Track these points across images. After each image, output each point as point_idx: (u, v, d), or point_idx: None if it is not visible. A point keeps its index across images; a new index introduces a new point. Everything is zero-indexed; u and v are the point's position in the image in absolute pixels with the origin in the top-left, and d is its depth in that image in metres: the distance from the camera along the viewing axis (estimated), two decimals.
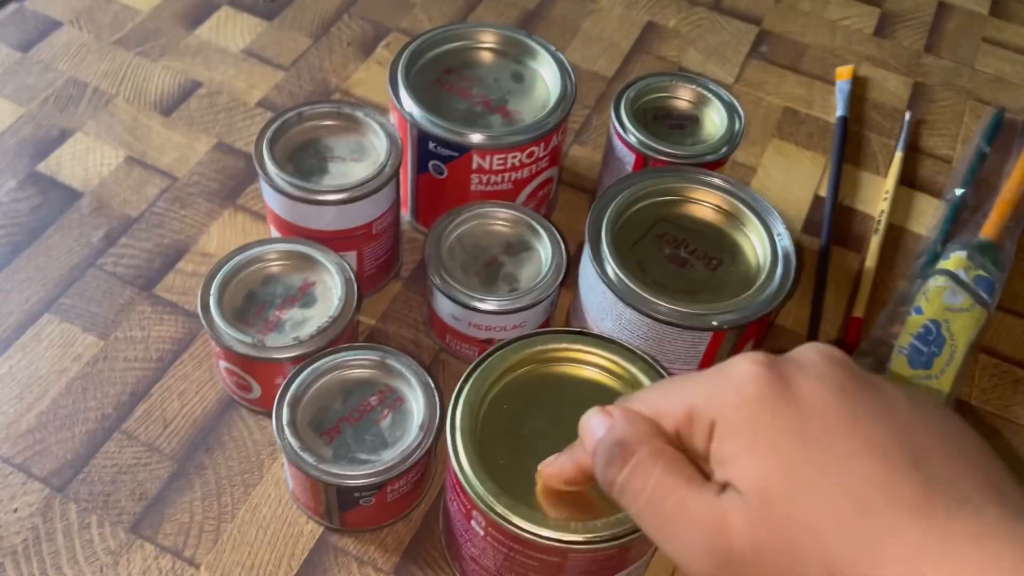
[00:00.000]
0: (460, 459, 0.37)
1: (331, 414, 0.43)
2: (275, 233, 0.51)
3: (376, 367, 0.44)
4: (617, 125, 0.53)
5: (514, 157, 0.51)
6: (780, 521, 0.26)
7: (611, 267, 0.45)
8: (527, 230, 0.51)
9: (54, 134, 0.60)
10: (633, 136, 0.52)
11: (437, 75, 0.54)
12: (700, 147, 0.52)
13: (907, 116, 0.68)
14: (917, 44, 0.75)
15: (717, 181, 0.49)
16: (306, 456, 0.41)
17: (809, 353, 0.29)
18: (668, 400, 0.30)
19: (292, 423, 0.42)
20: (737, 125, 0.53)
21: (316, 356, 0.44)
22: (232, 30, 0.68)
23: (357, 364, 0.44)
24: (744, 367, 0.28)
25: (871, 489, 0.25)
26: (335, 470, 0.41)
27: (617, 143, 0.54)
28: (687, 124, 0.55)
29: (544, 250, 0.50)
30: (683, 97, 0.56)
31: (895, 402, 0.27)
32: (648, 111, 0.55)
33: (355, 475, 0.41)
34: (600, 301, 0.46)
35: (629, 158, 0.53)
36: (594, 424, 0.31)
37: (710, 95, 0.55)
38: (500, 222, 0.51)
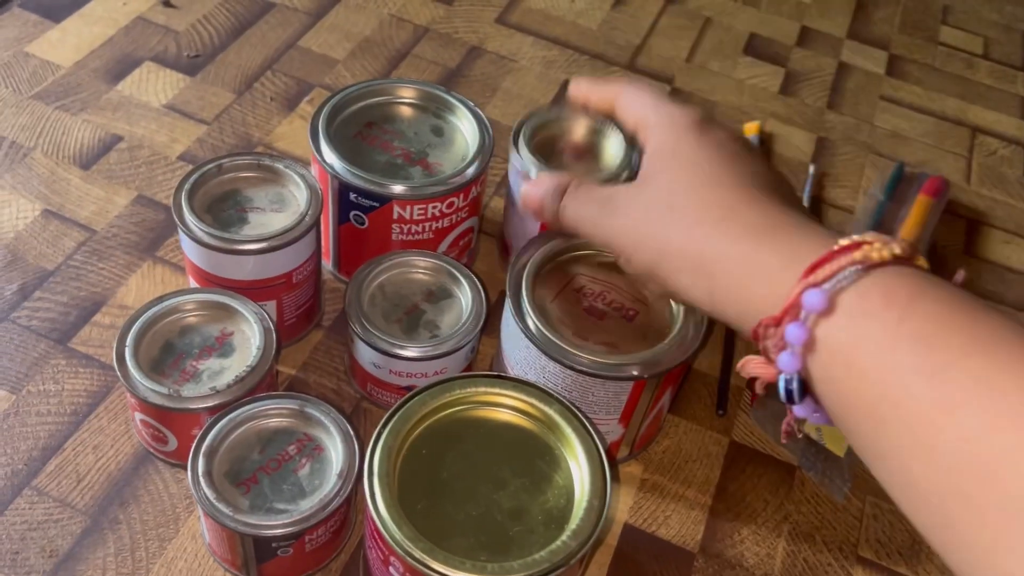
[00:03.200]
0: (377, 504, 0.38)
1: (248, 464, 0.43)
2: (194, 284, 0.51)
3: (295, 416, 0.45)
4: (516, 158, 0.52)
5: (434, 207, 0.52)
6: (656, 184, 0.39)
7: (532, 321, 0.46)
8: (448, 278, 0.52)
9: None
10: (533, 169, 0.51)
11: (358, 128, 0.55)
12: (599, 176, 0.51)
13: (811, 169, 0.71)
14: (820, 102, 0.79)
15: None
16: (222, 507, 0.41)
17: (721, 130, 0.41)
18: (634, 95, 0.43)
19: (208, 474, 0.42)
20: (635, 156, 0.53)
21: (233, 406, 0.44)
22: (154, 85, 0.68)
23: (275, 413, 0.44)
24: (686, 112, 0.40)
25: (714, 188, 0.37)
26: (251, 520, 0.41)
27: (516, 175, 0.53)
28: (585, 155, 0.55)
29: (464, 297, 0.51)
30: (580, 130, 0.54)
31: (750, 159, 0.39)
32: (546, 144, 0.54)
33: (272, 525, 0.41)
34: (524, 354, 0.47)
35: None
36: (532, 188, 0.43)
37: (607, 128, 0.53)
38: (421, 270, 0.52)
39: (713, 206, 0.36)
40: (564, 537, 0.38)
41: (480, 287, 0.51)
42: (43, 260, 0.56)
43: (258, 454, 0.43)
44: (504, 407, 0.43)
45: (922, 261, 0.32)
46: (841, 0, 0.91)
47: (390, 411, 0.41)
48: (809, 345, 0.31)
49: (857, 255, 0.31)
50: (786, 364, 0.32)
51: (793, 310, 0.31)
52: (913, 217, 0.66)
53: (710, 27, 0.84)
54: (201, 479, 0.41)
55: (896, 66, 0.84)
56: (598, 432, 0.41)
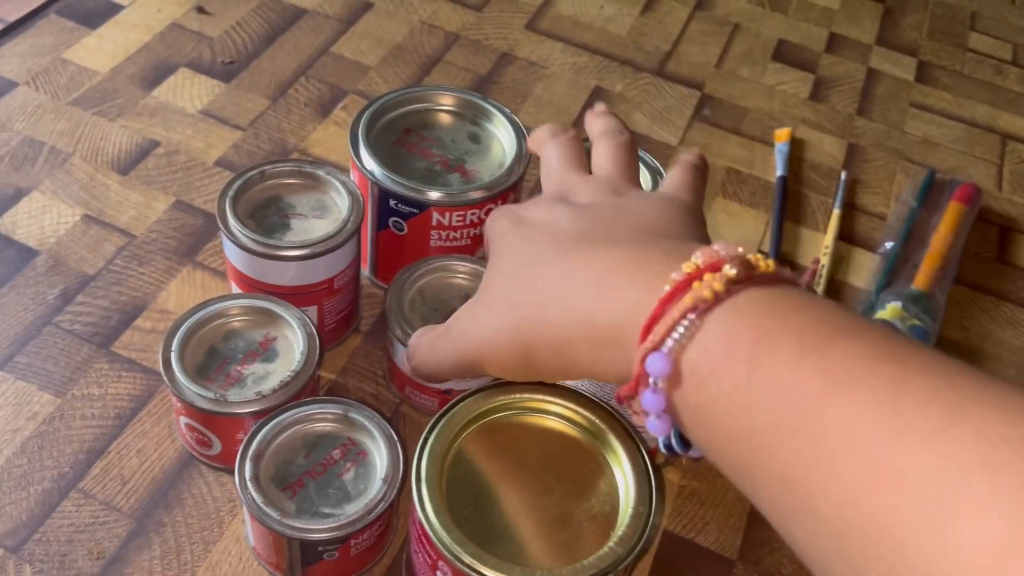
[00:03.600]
0: (426, 509, 0.38)
1: (294, 468, 0.44)
2: (236, 289, 0.52)
3: (339, 420, 0.45)
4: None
5: (472, 214, 0.52)
6: (485, 288, 0.38)
7: None
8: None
9: (9, 193, 0.60)
10: None
11: (397, 135, 0.55)
12: None
13: (843, 176, 0.71)
14: (850, 108, 0.79)
15: None
16: (269, 511, 0.41)
17: (538, 201, 0.40)
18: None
19: (255, 478, 0.42)
20: (661, 187, 0.55)
21: (278, 410, 0.45)
22: (190, 91, 0.69)
23: (320, 418, 0.45)
24: (499, 222, 0.40)
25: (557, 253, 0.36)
26: (298, 524, 0.41)
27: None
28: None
29: None
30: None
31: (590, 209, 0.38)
32: None
33: (319, 529, 0.41)
34: None
35: None
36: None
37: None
38: (460, 275, 0.52)
39: (540, 282, 0.35)
40: (611, 543, 0.38)
41: None
42: (84, 265, 0.57)
43: (303, 458, 0.44)
44: (549, 413, 0.43)
45: (764, 264, 0.30)
46: (869, 6, 0.91)
47: (436, 416, 0.41)
48: (669, 408, 0.29)
49: (688, 300, 0.28)
50: (656, 429, 0.30)
51: (643, 378, 0.29)
52: (945, 224, 0.66)
53: (739, 33, 0.84)
54: (248, 483, 0.42)
55: (925, 72, 0.84)
56: (642, 439, 0.42)
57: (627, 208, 0.38)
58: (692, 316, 0.28)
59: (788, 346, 0.26)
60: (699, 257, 0.30)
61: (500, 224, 0.40)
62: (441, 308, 0.51)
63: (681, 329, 0.28)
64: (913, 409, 0.23)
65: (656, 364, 0.28)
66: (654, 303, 0.29)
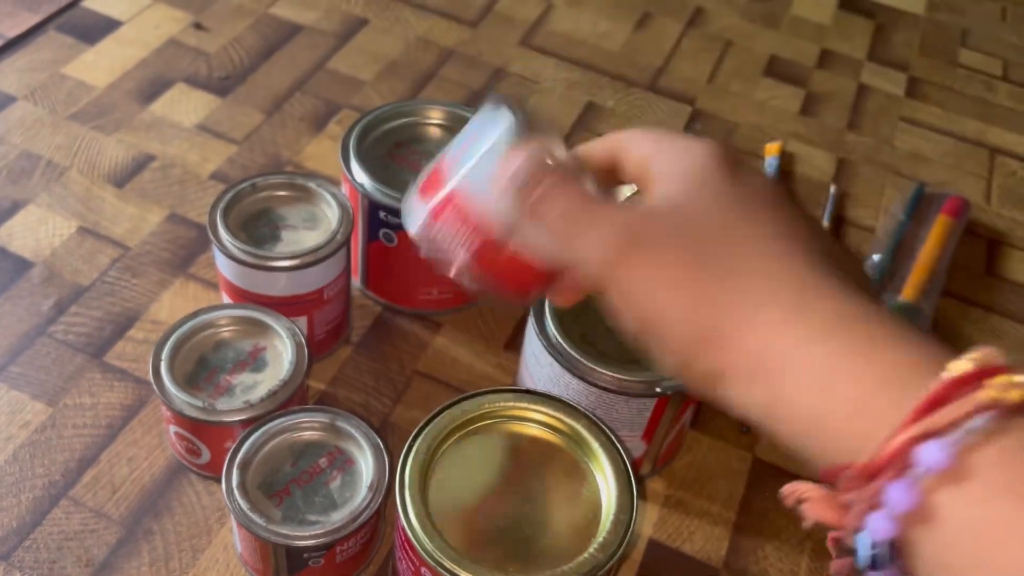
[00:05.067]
0: (409, 516, 0.38)
1: (281, 476, 0.44)
2: (227, 300, 0.53)
3: (326, 429, 0.45)
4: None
5: None
6: (682, 218, 0.30)
7: (556, 338, 0.47)
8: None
9: (6, 206, 0.61)
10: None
11: (388, 149, 0.56)
12: None
13: (832, 189, 0.72)
14: (840, 122, 0.79)
15: None
16: (256, 517, 0.42)
17: (757, 171, 0.33)
18: (633, 140, 0.34)
19: (242, 485, 0.43)
20: None
21: (266, 419, 0.45)
22: (186, 106, 0.70)
23: (307, 426, 0.45)
24: (708, 142, 0.32)
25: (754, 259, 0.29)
26: (284, 531, 0.42)
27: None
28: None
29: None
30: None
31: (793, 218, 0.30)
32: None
33: (304, 536, 0.42)
34: (547, 372, 0.48)
35: None
36: (510, 165, 0.33)
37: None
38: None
39: (781, 278, 0.28)
40: (591, 549, 0.38)
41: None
42: (79, 276, 0.58)
43: (290, 466, 0.44)
44: (532, 421, 0.43)
45: None
46: (860, 22, 0.91)
47: (420, 424, 0.42)
48: (918, 515, 0.24)
49: (983, 396, 0.23)
50: (879, 530, 0.24)
51: (898, 462, 0.24)
52: (934, 237, 0.66)
53: (731, 49, 0.85)
54: (235, 490, 0.42)
55: (916, 88, 0.85)
56: (625, 447, 0.42)
57: (816, 228, 0.31)
58: (991, 413, 0.23)
59: None
60: (981, 354, 0.25)
61: (707, 146, 0.31)
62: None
63: (975, 423, 0.23)
64: None
65: (934, 454, 0.23)
66: (931, 378, 0.24)
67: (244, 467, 0.43)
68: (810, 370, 0.26)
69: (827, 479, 0.26)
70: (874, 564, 0.25)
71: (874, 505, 0.24)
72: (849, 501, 0.25)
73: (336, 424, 0.45)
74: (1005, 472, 0.23)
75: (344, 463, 0.45)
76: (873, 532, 0.24)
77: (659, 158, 0.32)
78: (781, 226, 0.29)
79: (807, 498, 0.27)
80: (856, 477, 0.25)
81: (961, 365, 0.24)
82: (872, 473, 0.24)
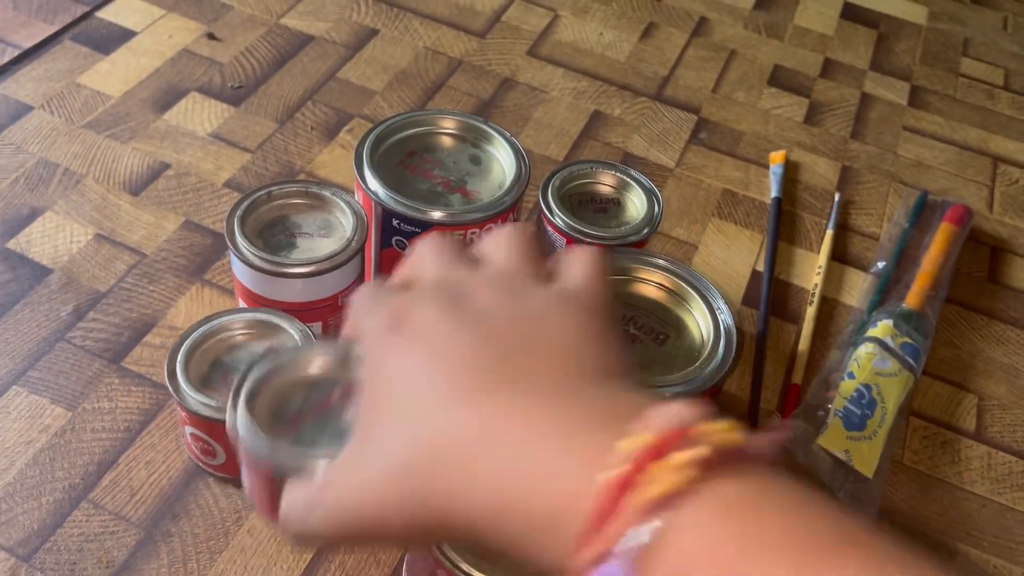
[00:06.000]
0: None
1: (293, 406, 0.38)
2: (243, 306, 0.53)
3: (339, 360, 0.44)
4: (545, 210, 0.57)
5: (473, 233, 0.54)
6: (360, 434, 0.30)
7: None
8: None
9: (24, 213, 0.62)
10: (560, 220, 0.56)
11: (400, 157, 0.57)
12: (624, 229, 0.56)
13: (836, 197, 0.73)
14: (843, 131, 0.80)
15: (660, 261, 0.53)
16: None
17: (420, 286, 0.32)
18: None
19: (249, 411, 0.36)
20: (656, 208, 0.57)
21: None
22: (200, 115, 0.71)
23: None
24: (369, 321, 0.32)
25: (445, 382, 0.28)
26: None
27: (547, 227, 0.57)
28: (610, 208, 0.59)
29: None
30: (605, 183, 0.60)
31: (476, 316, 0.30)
32: (573, 196, 0.59)
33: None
34: None
35: (560, 241, 0.57)
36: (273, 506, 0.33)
37: (631, 181, 0.59)
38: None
39: (445, 439, 0.27)
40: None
41: None
42: (96, 282, 0.59)
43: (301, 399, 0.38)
44: None
45: (727, 434, 0.24)
46: (863, 32, 0.93)
47: None
48: None
49: (650, 491, 0.22)
50: None
51: None
52: (937, 244, 0.67)
53: (735, 59, 0.86)
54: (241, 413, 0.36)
55: (918, 97, 0.86)
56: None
57: (537, 320, 0.30)
58: (656, 514, 0.22)
59: (786, 563, 0.21)
60: (650, 429, 0.24)
61: (371, 324, 0.31)
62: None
63: (645, 532, 0.22)
64: None
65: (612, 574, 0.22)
66: (599, 488, 0.23)
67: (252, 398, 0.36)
68: (498, 487, 0.26)
69: None
70: None
71: None
72: None
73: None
74: (682, 571, 0.22)
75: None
76: None
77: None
78: (416, 372, 0.29)
79: None
80: None
81: (635, 442, 0.24)
82: None
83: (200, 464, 0.50)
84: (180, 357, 0.48)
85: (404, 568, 0.47)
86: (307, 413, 0.37)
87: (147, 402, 0.53)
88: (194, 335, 0.49)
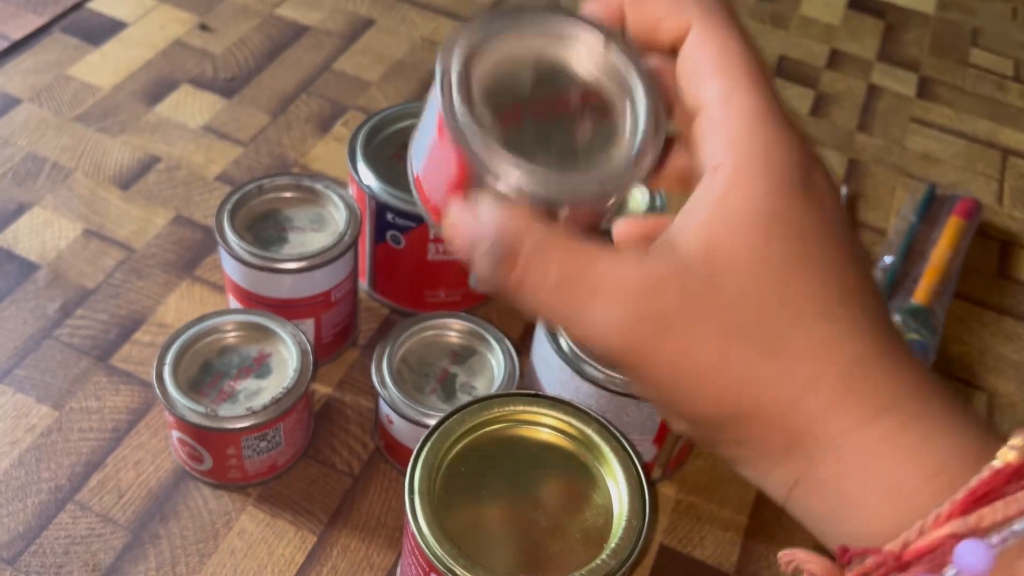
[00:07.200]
0: (419, 521, 0.38)
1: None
2: (234, 302, 0.52)
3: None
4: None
5: None
6: (721, 276, 0.24)
7: (566, 342, 0.46)
8: (471, 337, 0.51)
9: (11, 208, 0.61)
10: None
11: (395, 150, 0.56)
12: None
13: (843, 190, 0.71)
14: (851, 124, 0.79)
15: None
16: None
17: (828, 186, 0.26)
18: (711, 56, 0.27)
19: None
20: (659, 201, 0.55)
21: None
22: (192, 107, 0.69)
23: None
24: (792, 144, 0.25)
25: (823, 301, 0.24)
26: None
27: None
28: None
29: (493, 357, 0.50)
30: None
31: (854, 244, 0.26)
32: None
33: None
34: (557, 375, 0.47)
35: None
36: (461, 226, 0.26)
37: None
38: (452, 332, 0.51)
39: (833, 352, 0.24)
40: (603, 556, 0.38)
41: (507, 343, 0.50)
42: (84, 279, 0.57)
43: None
44: (542, 426, 0.43)
45: None
46: (870, 23, 0.91)
47: (430, 429, 0.41)
48: None
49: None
50: None
51: (933, 556, 0.22)
52: (945, 239, 0.66)
53: None
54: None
55: (926, 88, 0.84)
56: (636, 452, 0.42)
57: (868, 268, 0.26)
58: None
59: None
60: (1018, 445, 0.23)
61: (791, 155, 0.25)
62: (431, 372, 0.49)
63: (1019, 527, 0.21)
64: None
65: (973, 555, 0.21)
66: (976, 467, 0.22)
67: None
68: (854, 454, 0.24)
69: (844, 558, 0.24)
70: None
71: None
72: None
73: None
74: None
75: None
76: None
77: (737, 133, 0.25)
78: (839, 279, 0.24)
79: (808, 570, 0.24)
80: (883, 564, 0.22)
81: (1007, 454, 0.22)
82: (903, 563, 0.22)
83: (187, 468, 0.49)
84: (169, 359, 0.46)
85: (398, 571, 0.46)
86: (528, 109, 0.28)
87: (135, 401, 0.52)
88: (184, 336, 0.47)
